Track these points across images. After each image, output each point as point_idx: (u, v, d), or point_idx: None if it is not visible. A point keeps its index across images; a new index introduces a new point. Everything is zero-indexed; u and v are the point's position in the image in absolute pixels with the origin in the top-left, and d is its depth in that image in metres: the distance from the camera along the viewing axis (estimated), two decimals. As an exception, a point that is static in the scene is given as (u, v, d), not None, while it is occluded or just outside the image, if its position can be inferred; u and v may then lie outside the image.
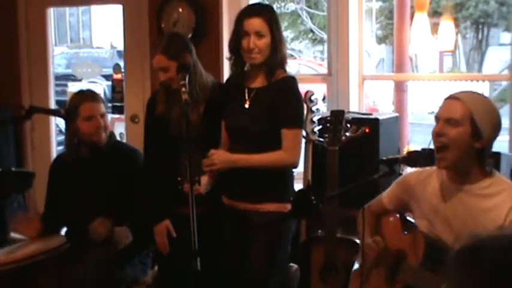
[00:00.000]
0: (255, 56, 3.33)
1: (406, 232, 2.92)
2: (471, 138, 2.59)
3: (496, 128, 2.64)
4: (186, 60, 3.52)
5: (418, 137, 6.58)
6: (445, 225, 2.71)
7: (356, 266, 3.13)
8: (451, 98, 2.66)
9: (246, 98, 3.41)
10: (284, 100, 3.33)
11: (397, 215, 3.00)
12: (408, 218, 3.01)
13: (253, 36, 3.29)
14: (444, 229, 2.71)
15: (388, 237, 2.97)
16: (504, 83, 10.26)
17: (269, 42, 3.32)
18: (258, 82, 3.42)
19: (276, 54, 3.35)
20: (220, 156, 3.31)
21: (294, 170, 3.49)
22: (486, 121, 2.59)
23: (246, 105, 3.40)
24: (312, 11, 13.14)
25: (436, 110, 2.73)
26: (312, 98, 3.76)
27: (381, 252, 2.89)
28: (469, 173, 2.65)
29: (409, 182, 2.91)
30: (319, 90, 4.26)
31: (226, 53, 3.53)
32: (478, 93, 2.71)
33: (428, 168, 2.80)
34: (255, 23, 3.31)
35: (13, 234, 4.21)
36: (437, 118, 2.67)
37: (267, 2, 7.52)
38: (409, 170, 3.26)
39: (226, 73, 4.47)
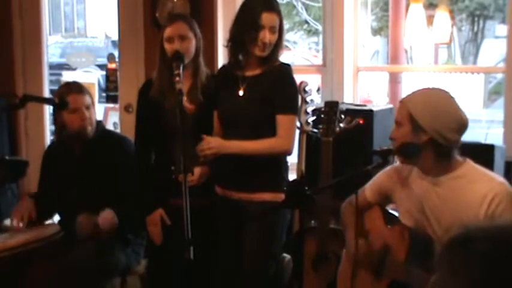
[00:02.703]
0: (266, 50, 3.32)
1: (389, 226, 2.91)
2: (413, 134, 2.61)
3: (438, 116, 2.59)
4: (201, 40, 3.54)
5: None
6: (423, 216, 2.73)
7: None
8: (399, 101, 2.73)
9: (240, 86, 3.40)
10: (279, 86, 3.33)
11: (379, 209, 2.99)
12: (390, 211, 3.02)
13: (267, 31, 3.28)
14: (423, 219, 2.73)
15: (372, 232, 2.96)
16: (499, 76, 10.28)
17: (277, 38, 3.33)
18: (253, 70, 3.40)
19: (278, 50, 3.37)
20: (215, 140, 3.31)
21: (287, 160, 3.49)
22: (424, 113, 2.59)
23: (240, 93, 3.40)
24: (307, 2, 13.11)
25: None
26: (306, 88, 3.75)
27: (364, 257, 2.88)
28: (432, 167, 2.67)
29: (397, 171, 2.90)
30: (313, 81, 4.25)
31: (220, 42, 3.51)
32: (425, 90, 2.72)
33: None
34: (273, 18, 3.30)
35: (6, 223, 4.21)
36: None
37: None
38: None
39: (220, 62, 4.46)
